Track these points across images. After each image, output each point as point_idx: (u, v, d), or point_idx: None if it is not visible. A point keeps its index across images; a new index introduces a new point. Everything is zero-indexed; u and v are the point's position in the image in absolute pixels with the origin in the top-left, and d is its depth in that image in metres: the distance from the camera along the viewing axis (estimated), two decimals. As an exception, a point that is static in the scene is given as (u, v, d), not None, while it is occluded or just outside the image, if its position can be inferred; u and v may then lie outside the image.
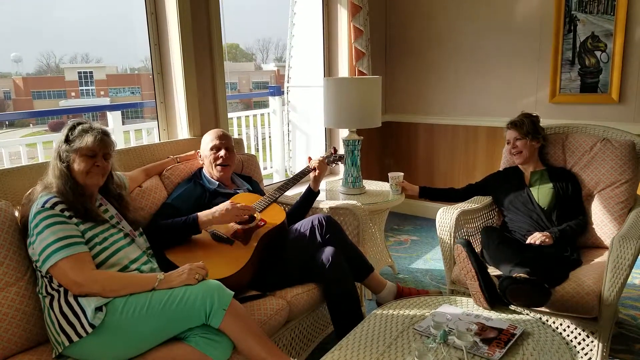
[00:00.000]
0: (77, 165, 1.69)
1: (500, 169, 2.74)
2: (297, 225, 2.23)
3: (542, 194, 2.42)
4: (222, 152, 2.30)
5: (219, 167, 2.30)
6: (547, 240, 2.20)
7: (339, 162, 2.77)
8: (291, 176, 2.56)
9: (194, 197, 2.23)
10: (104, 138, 1.74)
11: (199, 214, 2.04)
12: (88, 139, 1.69)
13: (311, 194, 2.49)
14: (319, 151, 4.17)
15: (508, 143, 2.56)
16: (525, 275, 1.91)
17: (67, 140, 1.70)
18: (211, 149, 2.32)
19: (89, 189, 1.75)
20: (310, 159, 2.58)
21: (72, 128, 1.73)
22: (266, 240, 2.13)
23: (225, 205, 2.05)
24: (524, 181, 2.51)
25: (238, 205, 2.05)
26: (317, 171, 2.48)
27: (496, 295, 1.87)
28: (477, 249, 2.54)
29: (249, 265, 2.00)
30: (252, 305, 1.92)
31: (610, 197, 2.42)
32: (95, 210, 1.73)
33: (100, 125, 1.76)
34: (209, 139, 2.35)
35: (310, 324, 2.24)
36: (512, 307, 1.90)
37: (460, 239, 1.97)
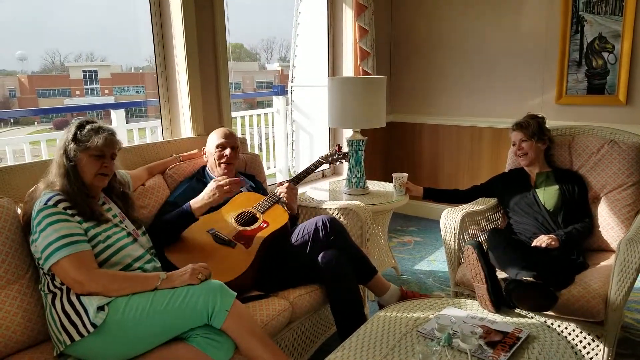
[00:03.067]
0: (86, 165, 1.69)
1: (506, 170, 2.72)
2: (301, 226, 2.21)
3: (548, 195, 2.40)
4: (227, 151, 2.31)
5: (222, 165, 2.31)
6: (553, 243, 2.18)
7: (343, 161, 2.74)
8: (294, 176, 2.54)
9: (195, 194, 2.21)
10: (113, 139, 1.74)
11: (191, 202, 2.03)
12: (99, 140, 1.69)
13: (291, 218, 2.34)
14: (322, 151, 4.15)
15: (514, 145, 2.53)
16: (532, 279, 1.88)
17: (76, 140, 1.68)
18: (217, 146, 2.32)
19: (94, 189, 1.74)
20: (280, 184, 2.42)
21: (81, 127, 1.71)
22: (268, 243, 2.11)
23: (210, 186, 2.04)
24: (529, 183, 2.49)
25: (222, 182, 2.02)
26: (285, 199, 2.34)
27: (502, 299, 1.85)
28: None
29: (251, 269, 1.98)
30: (254, 305, 1.91)
31: (617, 200, 2.40)
32: (99, 210, 1.72)
33: (107, 125, 1.76)
34: (215, 137, 2.36)
35: (313, 325, 2.23)
36: (517, 311, 1.88)
37: (471, 240, 1.94)
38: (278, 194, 2.35)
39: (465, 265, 1.92)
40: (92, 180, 1.71)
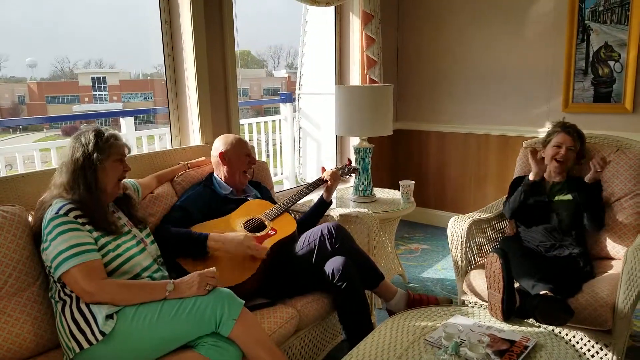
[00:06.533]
0: (110, 170, 1.73)
1: (516, 175, 2.66)
2: (307, 234, 2.22)
3: (560, 204, 2.36)
4: (253, 162, 2.39)
5: (246, 175, 2.36)
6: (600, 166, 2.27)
7: (353, 174, 2.76)
8: (303, 185, 2.56)
9: (203, 200, 2.23)
10: (125, 142, 1.80)
11: (210, 234, 2.01)
12: (120, 143, 1.75)
13: (323, 204, 2.50)
14: (329, 158, 4.17)
15: (558, 147, 2.38)
16: (550, 293, 1.87)
17: (98, 148, 1.69)
18: (247, 155, 2.35)
19: (110, 198, 1.77)
20: (324, 169, 2.59)
21: (99, 135, 1.72)
22: (275, 250, 2.12)
23: (239, 236, 2.01)
24: (543, 191, 2.43)
25: (253, 242, 2.01)
26: (329, 182, 2.51)
27: (513, 309, 1.84)
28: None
29: (257, 274, 1.99)
30: (262, 313, 1.92)
31: (624, 208, 2.39)
32: (116, 224, 1.73)
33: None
34: (240, 146, 2.35)
35: (320, 332, 2.23)
36: (526, 320, 1.87)
37: (497, 248, 1.90)
38: (325, 177, 2.54)
39: (486, 271, 1.90)
40: (113, 187, 1.75)
